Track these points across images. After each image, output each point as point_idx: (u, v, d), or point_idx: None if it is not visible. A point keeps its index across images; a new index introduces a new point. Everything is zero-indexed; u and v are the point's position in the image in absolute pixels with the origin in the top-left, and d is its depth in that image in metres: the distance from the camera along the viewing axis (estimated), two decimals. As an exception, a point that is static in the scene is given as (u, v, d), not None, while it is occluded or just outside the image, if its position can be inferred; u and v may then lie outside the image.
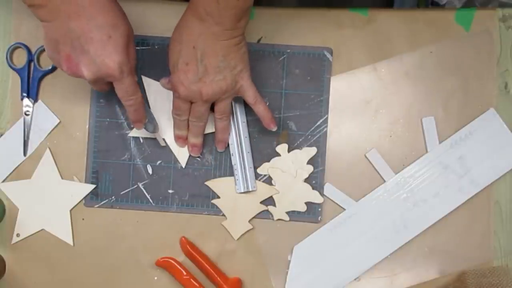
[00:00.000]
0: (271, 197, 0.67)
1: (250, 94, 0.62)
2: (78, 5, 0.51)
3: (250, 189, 0.66)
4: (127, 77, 0.56)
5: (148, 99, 0.67)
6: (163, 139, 0.67)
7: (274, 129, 0.64)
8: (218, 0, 0.53)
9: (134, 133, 0.67)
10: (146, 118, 0.62)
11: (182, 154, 0.67)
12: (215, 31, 0.55)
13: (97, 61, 0.53)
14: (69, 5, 0.51)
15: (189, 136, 0.65)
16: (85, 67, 0.54)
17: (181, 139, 0.66)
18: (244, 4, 0.54)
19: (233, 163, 0.66)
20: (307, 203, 0.67)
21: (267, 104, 0.66)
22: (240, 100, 0.66)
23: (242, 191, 0.66)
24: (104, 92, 0.62)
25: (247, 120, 0.66)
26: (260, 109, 0.63)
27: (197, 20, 0.56)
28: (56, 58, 0.56)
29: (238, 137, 0.66)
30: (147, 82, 0.67)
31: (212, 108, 0.63)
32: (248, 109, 0.66)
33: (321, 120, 0.67)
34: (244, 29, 0.57)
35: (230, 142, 0.66)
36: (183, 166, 0.67)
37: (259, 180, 0.67)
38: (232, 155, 0.66)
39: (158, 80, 0.67)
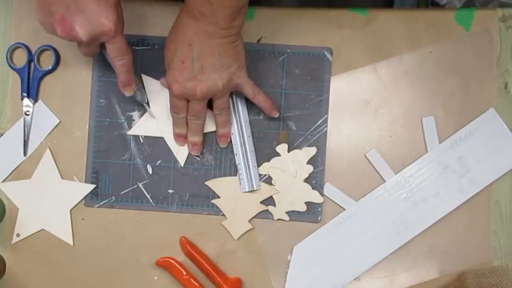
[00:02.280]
0: (271, 197, 0.67)
1: (248, 89, 0.62)
2: None
3: (255, 188, 0.66)
4: (120, 35, 0.56)
5: (148, 98, 0.67)
6: (153, 113, 0.66)
7: (277, 115, 0.65)
8: (211, 0, 0.53)
9: (133, 131, 0.67)
10: (136, 84, 0.62)
11: (181, 153, 0.67)
12: (210, 30, 0.56)
13: (92, 20, 0.53)
14: None
15: (188, 134, 0.66)
16: (80, 26, 0.53)
17: (180, 137, 0.66)
18: (237, 4, 0.54)
19: (237, 163, 0.66)
20: (307, 203, 0.67)
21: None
22: (242, 98, 0.66)
23: (247, 190, 0.66)
24: (91, 56, 0.61)
25: (249, 120, 0.67)
26: (261, 100, 0.64)
27: (192, 20, 0.56)
28: (49, 22, 0.55)
29: (241, 137, 0.66)
30: (147, 80, 0.67)
31: (211, 105, 0.63)
32: (248, 109, 0.66)
33: (321, 120, 0.67)
34: (240, 28, 0.57)
35: (233, 142, 0.66)
36: (182, 165, 0.67)
37: (259, 180, 0.67)
38: (236, 154, 0.66)
39: (158, 79, 0.67)
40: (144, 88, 0.66)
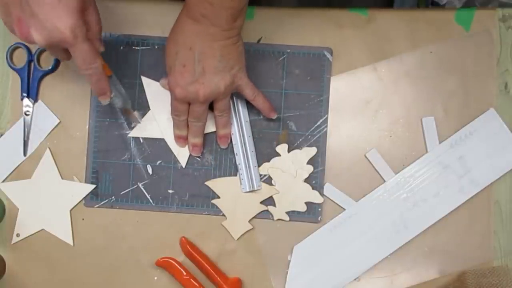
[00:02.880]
0: (271, 197, 0.67)
1: (248, 91, 0.62)
2: None
3: (255, 188, 0.66)
4: (82, 42, 0.51)
5: (148, 99, 0.67)
6: (137, 119, 0.66)
7: (275, 117, 0.65)
8: (212, 2, 0.52)
9: (133, 133, 0.67)
10: (112, 91, 0.59)
11: (182, 154, 0.67)
12: (211, 32, 0.55)
13: (47, 25, 0.49)
14: None
15: (189, 136, 0.65)
16: (36, 31, 0.49)
17: (181, 139, 0.66)
18: (239, 4, 0.53)
19: (237, 163, 0.66)
20: (307, 203, 0.67)
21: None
22: (242, 99, 0.66)
23: (248, 190, 0.66)
24: (65, 60, 0.57)
25: (249, 120, 0.67)
26: (260, 102, 0.64)
27: (193, 22, 0.55)
28: (9, 23, 0.52)
29: (241, 137, 0.66)
30: (147, 82, 0.67)
31: (211, 106, 0.63)
32: (248, 109, 0.66)
33: (321, 120, 0.67)
34: (240, 29, 0.57)
35: (234, 142, 0.66)
36: (183, 166, 0.67)
37: (260, 180, 0.67)
38: (236, 154, 0.66)
39: (158, 80, 0.67)
40: (122, 89, 0.64)
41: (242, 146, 0.66)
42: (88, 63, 0.53)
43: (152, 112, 0.67)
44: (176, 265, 0.66)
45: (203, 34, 0.55)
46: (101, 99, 0.58)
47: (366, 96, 0.67)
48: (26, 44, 0.67)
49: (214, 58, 0.57)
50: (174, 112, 0.63)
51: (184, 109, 0.62)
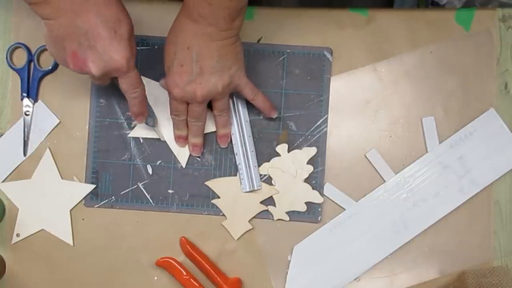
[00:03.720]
0: (271, 197, 0.67)
1: (247, 91, 0.62)
2: (83, 0, 0.51)
3: (256, 188, 0.66)
4: (133, 70, 0.56)
5: (148, 99, 0.67)
6: (162, 135, 0.67)
7: (275, 116, 0.65)
8: (211, 1, 0.52)
9: (134, 133, 0.67)
10: (148, 112, 0.63)
11: (182, 154, 0.67)
12: (209, 32, 0.55)
13: (105, 57, 0.53)
14: (73, 1, 0.51)
15: (189, 136, 0.65)
16: (93, 63, 0.53)
17: (181, 139, 0.66)
18: (237, 4, 0.53)
19: (237, 163, 0.66)
20: (307, 203, 0.67)
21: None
22: (242, 98, 0.66)
23: (248, 190, 0.66)
24: (104, 85, 0.61)
25: (249, 120, 0.67)
26: (260, 101, 0.64)
27: (191, 22, 0.55)
28: (60, 56, 0.55)
29: (241, 137, 0.66)
30: (147, 82, 0.67)
31: (210, 106, 0.63)
32: (248, 109, 0.66)
33: (321, 120, 0.67)
34: (239, 29, 0.57)
35: (234, 142, 0.66)
36: (184, 166, 0.67)
37: (260, 180, 0.67)
38: (236, 154, 0.66)
39: (158, 80, 0.67)
40: (154, 113, 0.66)
41: (242, 146, 0.66)
42: (135, 88, 0.58)
43: (152, 110, 0.67)
44: (176, 265, 0.66)
45: (201, 34, 0.55)
46: (138, 120, 0.63)
47: (366, 96, 0.67)
48: (26, 44, 0.67)
49: (211, 58, 0.57)
50: (173, 112, 0.63)
51: (183, 109, 0.62)
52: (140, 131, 0.67)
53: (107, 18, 0.52)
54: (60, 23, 0.52)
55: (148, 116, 0.64)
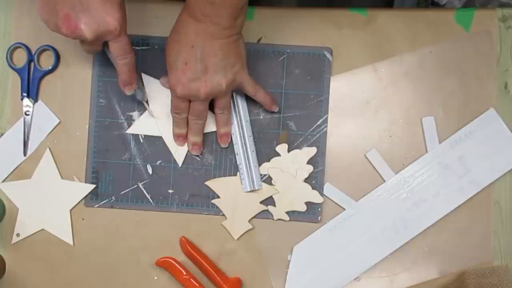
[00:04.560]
0: (271, 197, 0.67)
1: (249, 88, 0.63)
2: None
3: (256, 188, 0.66)
4: (124, 34, 0.56)
5: (148, 97, 0.67)
6: (152, 112, 0.66)
7: (277, 109, 0.66)
8: (213, 1, 0.53)
9: (131, 130, 0.67)
10: (137, 83, 0.62)
11: (179, 153, 0.67)
12: (212, 31, 0.55)
13: (98, 18, 0.53)
14: None
15: (189, 134, 0.65)
16: (85, 25, 0.53)
17: (181, 137, 0.66)
18: (239, 2, 0.54)
19: (238, 163, 0.66)
20: (307, 203, 0.67)
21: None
22: (242, 98, 0.66)
23: (249, 190, 0.66)
24: (92, 53, 0.60)
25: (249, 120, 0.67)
26: (261, 96, 0.64)
27: (194, 21, 0.56)
28: (52, 20, 0.54)
29: (242, 137, 0.66)
30: (147, 80, 0.67)
31: (210, 105, 0.63)
32: (249, 109, 0.66)
33: (321, 120, 0.67)
34: (241, 27, 0.57)
35: (234, 142, 0.66)
36: (180, 165, 0.67)
37: (260, 179, 0.67)
38: (237, 154, 0.66)
39: (158, 79, 0.67)
40: (144, 87, 0.66)
41: (242, 146, 0.66)
42: (125, 53, 0.58)
43: (151, 109, 0.67)
44: (176, 265, 0.66)
45: (204, 33, 0.56)
46: (126, 90, 0.62)
47: (366, 96, 0.67)
48: (26, 44, 0.67)
49: (215, 56, 0.57)
50: (175, 109, 0.63)
51: (184, 106, 0.62)
52: (139, 128, 0.67)
53: None
54: None
55: (137, 88, 0.63)
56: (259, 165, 0.67)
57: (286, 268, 0.67)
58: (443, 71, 0.67)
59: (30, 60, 0.67)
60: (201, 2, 0.54)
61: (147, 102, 0.66)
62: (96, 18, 0.53)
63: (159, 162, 0.67)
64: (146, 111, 0.67)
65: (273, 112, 0.66)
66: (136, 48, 0.67)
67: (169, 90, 0.63)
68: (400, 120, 0.67)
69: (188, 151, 0.67)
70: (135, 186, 0.67)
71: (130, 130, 0.67)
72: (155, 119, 0.67)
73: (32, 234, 0.67)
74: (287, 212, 0.67)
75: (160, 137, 0.67)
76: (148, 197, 0.67)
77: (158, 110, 0.67)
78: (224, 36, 0.56)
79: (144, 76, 0.67)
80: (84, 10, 0.53)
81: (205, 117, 0.63)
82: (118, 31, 0.55)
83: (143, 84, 0.66)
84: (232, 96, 0.66)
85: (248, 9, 0.58)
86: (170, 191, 0.67)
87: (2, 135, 0.68)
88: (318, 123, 0.67)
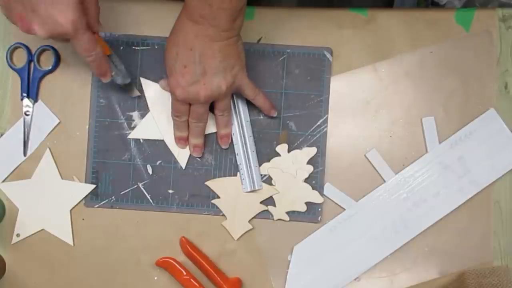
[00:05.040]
0: (271, 197, 0.67)
1: (249, 91, 0.62)
2: None
3: (257, 188, 0.66)
4: (83, 34, 0.53)
5: (147, 100, 0.67)
6: (137, 90, 0.66)
7: (275, 114, 0.66)
8: (211, 3, 0.52)
9: (133, 135, 0.67)
10: (112, 71, 0.61)
11: (182, 155, 0.67)
12: (211, 33, 0.55)
13: (48, 20, 0.51)
14: None
15: (190, 137, 0.65)
16: (38, 26, 0.52)
17: (182, 140, 0.66)
18: (237, 4, 0.53)
19: (238, 163, 0.66)
20: (307, 203, 0.67)
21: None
22: (242, 99, 0.66)
23: (249, 190, 0.66)
24: (67, 43, 0.58)
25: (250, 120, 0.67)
26: (260, 101, 0.64)
27: (192, 23, 0.55)
28: (11, 17, 0.54)
29: (242, 137, 0.66)
30: (146, 83, 0.67)
31: (211, 107, 0.63)
32: (249, 109, 0.66)
33: (321, 120, 0.67)
34: (240, 29, 0.57)
35: (234, 142, 0.66)
36: (183, 167, 0.67)
37: (261, 180, 0.67)
38: (237, 154, 0.66)
39: (157, 81, 0.67)
40: (123, 68, 0.64)
41: (243, 146, 0.66)
42: (89, 51, 0.55)
43: (152, 113, 0.67)
44: (176, 265, 0.66)
45: (203, 35, 0.55)
46: (103, 79, 0.60)
47: (366, 96, 0.67)
48: (26, 44, 0.67)
49: (214, 59, 0.57)
50: (175, 113, 0.63)
51: (185, 110, 0.62)
52: (140, 132, 0.67)
53: None
54: None
55: (115, 74, 0.62)
56: (259, 165, 0.67)
57: (286, 268, 0.67)
58: (443, 71, 0.67)
59: (30, 60, 0.67)
60: (199, 4, 0.53)
61: (130, 83, 0.65)
62: (46, 20, 0.51)
63: (159, 162, 0.67)
64: (147, 115, 0.67)
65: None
66: (136, 48, 0.67)
67: (168, 93, 0.63)
68: (400, 120, 0.67)
69: (190, 153, 0.67)
70: (135, 186, 0.67)
71: (132, 135, 0.67)
72: (156, 123, 0.67)
73: (32, 234, 0.67)
74: (287, 212, 0.67)
75: (160, 139, 0.67)
76: (148, 197, 0.67)
77: (159, 113, 0.67)
78: (222, 38, 0.56)
79: (143, 80, 0.67)
80: (34, 11, 0.51)
81: (205, 120, 0.63)
82: (72, 32, 0.52)
83: (120, 62, 0.63)
84: (232, 97, 0.66)
85: (248, 9, 0.58)
86: (170, 191, 0.67)
87: (2, 135, 0.68)
88: (318, 123, 0.67)
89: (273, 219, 0.67)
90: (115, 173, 0.67)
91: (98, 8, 0.56)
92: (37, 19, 0.51)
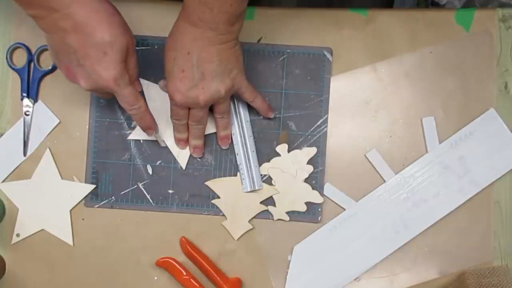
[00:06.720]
0: (271, 197, 0.67)
1: (248, 94, 0.62)
2: (75, 20, 0.51)
3: (257, 188, 0.66)
4: (125, 88, 0.56)
5: (147, 101, 0.67)
6: (163, 140, 0.67)
7: (272, 116, 0.66)
8: (212, 6, 0.52)
9: (133, 135, 0.67)
10: (157, 127, 0.63)
11: (182, 156, 0.67)
12: (209, 36, 0.55)
13: (93, 76, 0.54)
14: (66, 20, 0.51)
15: (190, 138, 0.65)
16: (82, 79, 0.55)
17: (182, 141, 0.66)
18: (237, 9, 0.53)
19: (238, 163, 0.66)
20: (307, 203, 0.67)
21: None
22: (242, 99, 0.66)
23: (249, 190, 0.66)
24: (108, 98, 0.63)
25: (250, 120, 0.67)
26: (258, 103, 0.64)
27: (190, 26, 0.55)
28: (59, 66, 0.57)
29: (242, 137, 0.66)
30: (145, 84, 0.67)
31: (210, 108, 0.63)
32: (249, 109, 0.66)
33: (321, 120, 0.67)
34: (238, 33, 0.56)
35: (234, 142, 0.66)
36: (183, 168, 0.67)
37: (261, 180, 0.67)
38: (237, 154, 0.66)
39: (157, 81, 0.67)
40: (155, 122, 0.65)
41: (243, 146, 0.66)
42: (131, 105, 0.58)
43: (152, 112, 0.67)
44: (176, 265, 0.66)
45: (201, 38, 0.55)
46: (147, 134, 0.63)
47: (366, 96, 0.67)
48: (26, 44, 0.67)
49: (212, 63, 0.56)
50: (174, 116, 0.63)
51: (184, 113, 0.62)
52: (140, 134, 0.67)
53: (97, 41, 0.52)
54: (54, 38, 0.54)
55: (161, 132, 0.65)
56: (259, 165, 0.67)
57: (286, 268, 0.67)
58: (443, 71, 0.67)
59: (30, 60, 0.67)
60: (199, 8, 0.53)
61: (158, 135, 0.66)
62: (91, 74, 0.54)
63: (159, 162, 0.67)
64: None
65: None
66: (136, 48, 0.67)
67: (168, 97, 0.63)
68: (400, 120, 0.67)
69: (190, 154, 0.67)
70: (135, 186, 0.67)
71: (131, 136, 0.67)
72: (156, 124, 0.66)
73: (32, 234, 0.68)
74: (287, 212, 0.67)
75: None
76: (148, 197, 0.67)
77: (159, 114, 0.66)
78: (221, 42, 0.55)
79: (142, 81, 0.66)
80: (80, 66, 0.54)
81: (205, 122, 0.63)
82: (114, 87, 0.55)
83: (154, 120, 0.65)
84: (232, 97, 0.66)
85: (248, 9, 0.58)
86: (170, 191, 0.67)
87: (2, 135, 0.68)
88: (318, 123, 0.67)
89: (273, 219, 0.67)
90: (115, 173, 0.67)
91: (137, 69, 0.58)
92: (83, 73, 0.55)
